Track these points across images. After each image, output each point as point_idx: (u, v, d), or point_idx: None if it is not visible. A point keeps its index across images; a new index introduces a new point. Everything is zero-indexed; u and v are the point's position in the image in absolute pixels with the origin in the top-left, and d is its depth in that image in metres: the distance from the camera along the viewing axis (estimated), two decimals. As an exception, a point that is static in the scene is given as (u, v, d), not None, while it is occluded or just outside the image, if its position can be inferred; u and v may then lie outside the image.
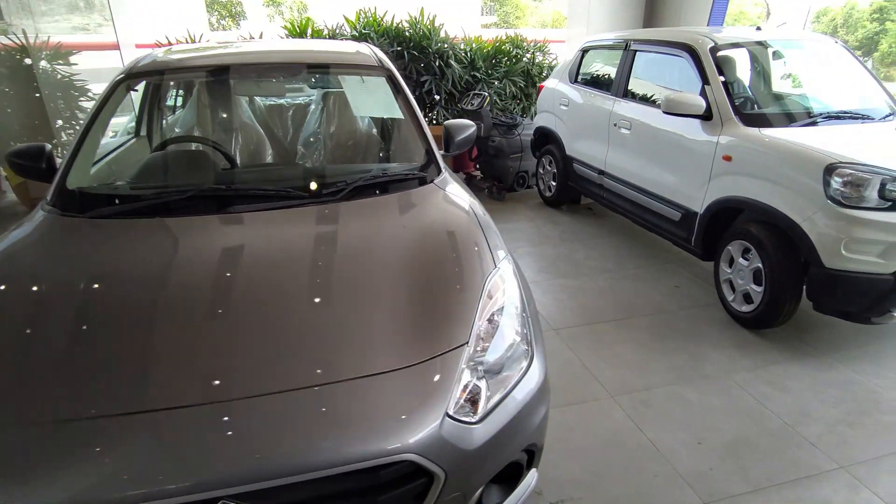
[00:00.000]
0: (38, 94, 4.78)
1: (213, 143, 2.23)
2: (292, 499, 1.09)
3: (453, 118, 5.48)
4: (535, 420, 1.41)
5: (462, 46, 5.47)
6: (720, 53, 3.14)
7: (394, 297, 1.43)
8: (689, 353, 2.72)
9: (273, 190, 1.82)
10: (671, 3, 5.82)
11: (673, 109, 3.03)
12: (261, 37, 5.33)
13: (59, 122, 4.91)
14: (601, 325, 2.98)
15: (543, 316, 3.06)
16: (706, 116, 3.00)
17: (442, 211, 1.83)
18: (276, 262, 1.55)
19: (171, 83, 2.72)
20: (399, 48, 5.13)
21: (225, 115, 2.42)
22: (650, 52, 3.64)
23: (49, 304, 1.38)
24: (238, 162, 2.28)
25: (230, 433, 1.10)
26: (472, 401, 1.28)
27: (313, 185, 1.90)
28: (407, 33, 5.21)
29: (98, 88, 4.91)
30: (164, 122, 2.62)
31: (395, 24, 5.21)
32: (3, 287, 1.44)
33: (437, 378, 1.26)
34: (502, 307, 1.47)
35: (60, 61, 4.87)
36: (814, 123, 2.89)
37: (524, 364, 1.42)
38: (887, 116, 3.03)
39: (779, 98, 3.28)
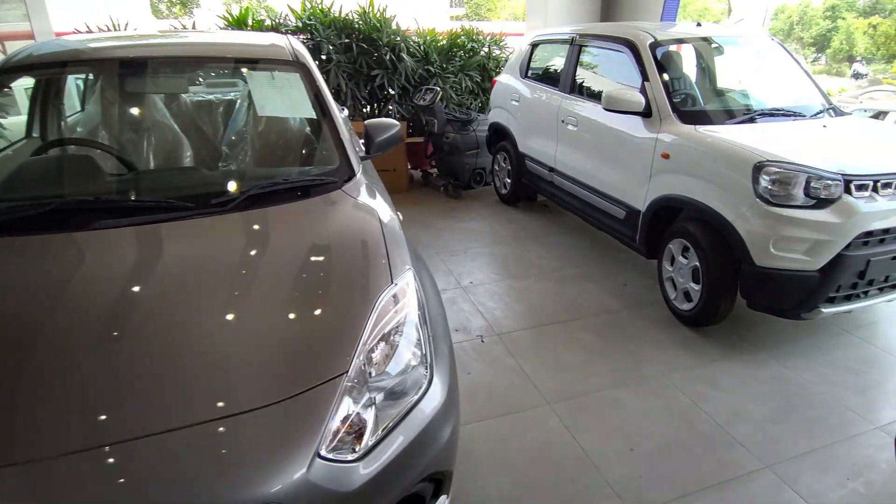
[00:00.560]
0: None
1: (97, 145, 2.02)
2: None
3: (407, 113, 5.42)
4: (438, 446, 1.34)
5: (415, 39, 5.35)
6: (660, 49, 3.12)
7: (268, 324, 1.31)
8: (631, 354, 2.74)
9: (150, 201, 1.66)
10: (627, -5, 5.80)
11: (613, 106, 3.01)
12: (193, 27, 5.10)
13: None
14: (546, 329, 2.98)
15: (488, 321, 3.05)
16: (646, 113, 2.99)
17: (342, 222, 1.70)
18: (138, 286, 1.40)
19: (64, 78, 2.43)
20: (347, 40, 4.99)
21: (115, 115, 2.20)
22: (595, 47, 3.61)
23: None
24: (136, 167, 2.07)
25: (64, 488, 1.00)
26: (357, 434, 1.21)
27: (202, 195, 1.75)
28: (357, 25, 5.07)
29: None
30: (56, 122, 2.35)
31: (343, 16, 5.07)
32: None
33: (306, 415, 1.16)
34: (398, 326, 1.40)
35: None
36: (748, 121, 2.90)
37: (422, 386, 1.35)
38: (818, 114, 3.06)
39: (716, 95, 3.29)
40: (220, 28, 4.97)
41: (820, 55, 34.33)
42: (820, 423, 2.29)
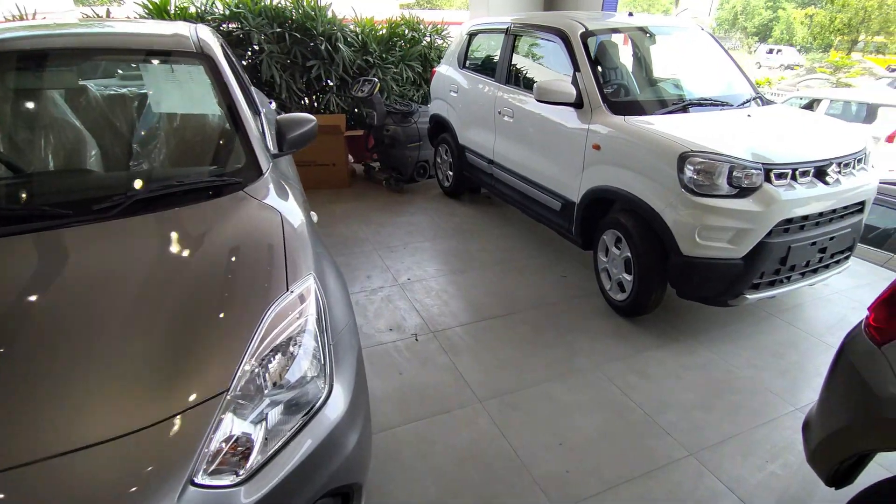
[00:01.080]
0: None
1: None
2: None
3: (347, 106, 5.26)
4: (340, 459, 1.28)
5: (353, 28, 5.17)
6: (591, 39, 3.10)
7: (143, 343, 1.21)
8: (566, 347, 2.72)
9: (19, 209, 1.53)
10: (569, -16, 5.79)
11: (544, 97, 2.97)
12: (108, 15, 4.75)
13: None
14: (482, 324, 2.93)
15: (424, 319, 2.97)
16: (578, 104, 2.97)
17: (239, 226, 1.59)
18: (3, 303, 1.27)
19: None
20: (280, 30, 4.77)
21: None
22: (530, 36, 3.56)
23: None
24: (20, 169, 1.88)
25: None
26: (243, 454, 1.13)
27: (81, 201, 1.61)
28: (289, 14, 4.85)
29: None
30: None
31: (274, 4, 4.84)
32: None
33: (178, 439, 1.07)
34: (294, 336, 1.31)
35: None
36: (677, 111, 2.92)
37: (320, 398, 1.28)
38: (744, 103, 3.12)
39: (648, 85, 3.31)
40: (141, 17, 4.65)
41: (762, 44, 36.00)
42: (743, 407, 2.33)
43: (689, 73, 3.44)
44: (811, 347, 2.77)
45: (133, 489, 0.99)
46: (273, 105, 3.75)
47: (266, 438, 1.17)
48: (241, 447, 1.13)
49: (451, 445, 2.13)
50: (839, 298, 3.24)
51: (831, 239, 2.65)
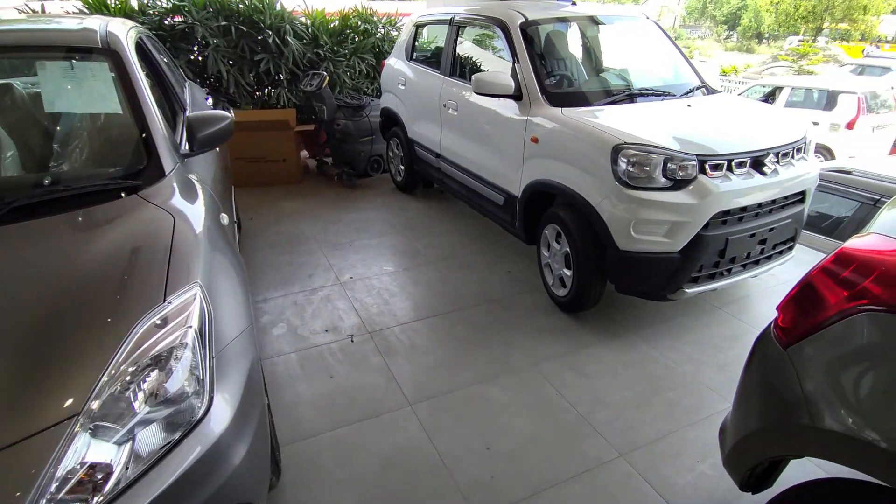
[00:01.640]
0: None
1: None
2: None
3: (298, 100, 5.11)
4: (223, 477, 1.19)
5: (303, 21, 5.01)
6: (531, 29, 3.02)
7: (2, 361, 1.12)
8: (504, 345, 2.65)
9: None
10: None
11: (483, 90, 2.88)
12: (42, 10, 4.53)
13: None
14: (421, 323, 2.83)
15: (362, 319, 2.87)
16: (516, 96, 2.88)
17: (123, 233, 1.50)
18: None
19: None
20: (226, 23, 4.60)
21: None
22: (473, 27, 3.47)
23: None
24: None
25: None
26: (99, 482, 1.03)
27: None
28: (235, 6, 4.67)
29: None
30: None
31: (220, -4, 4.66)
32: None
33: (17, 469, 0.98)
34: (170, 350, 1.21)
35: None
36: (616, 102, 2.86)
37: (197, 414, 1.19)
38: (687, 93, 3.08)
39: (590, 76, 3.24)
40: (81, 12, 4.43)
41: (732, 32, 36.44)
42: (679, 404, 2.28)
43: (633, 64, 3.38)
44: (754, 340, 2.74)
45: None
46: (209, 101, 3.58)
47: (130, 461, 1.08)
48: (97, 473, 1.04)
49: (375, 451, 2.04)
50: (786, 289, 3.22)
51: (771, 230, 2.62)
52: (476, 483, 1.90)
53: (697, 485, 1.91)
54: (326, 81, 4.43)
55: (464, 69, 3.53)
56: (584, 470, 1.96)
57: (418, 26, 4.15)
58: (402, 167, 4.48)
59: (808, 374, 1.18)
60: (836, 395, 1.12)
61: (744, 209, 2.50)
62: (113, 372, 1.14)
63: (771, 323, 1.38)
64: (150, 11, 4.56)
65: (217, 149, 2.63)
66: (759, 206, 2.54)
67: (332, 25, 5.17)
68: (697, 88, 3.17)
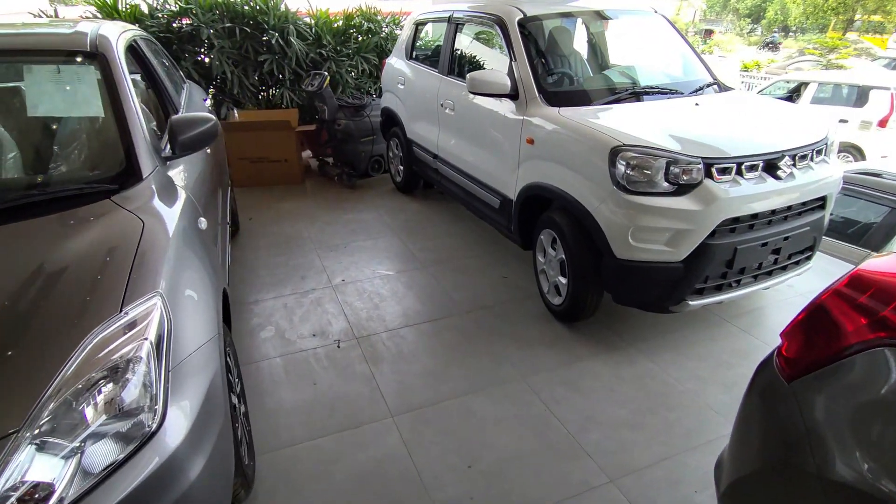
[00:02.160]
0: None
1: None
2: None
3: (300, 100, 5.06)
4: (178, 492, 1.16)
5: (307, 21, 4.96)
6: (530, 25, 2.89)
7: None
8: (494, 355, 2.52)
9: None
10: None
11: (478, 89, 2.76)
12: (55, 15, 4.57)
13: None
14: (410, 329, 2.73)
15: (350, 323, 2.77)
16: (512, 95, 2.76)
17: (87, 240, 1.45)
18: None
19: None
20: (231, 24, 4.57)
21: None
22: (471, 24, 3.36)
23: None
24: None
25: None
26: (43, 499, 1.01)
27: None
28: (241, 8, 4.65)
29: None
30: None
31: (226, -1, 4.65)
32: None
33: None
34: (123, 363, 1.17)
35: None
36: (617, 101, 2.72)
37: (149, 428, 1.15)
38: (697, 91, 2.92)
39: (589, 73, 3.10)
40: (94, 16, 4.45)
41: (756, 26, 35.32)
42: (678, 426, 2.13)
43: (639, 60, 3.23)
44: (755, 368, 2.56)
45: None
46: (208, 102, 3.54)
47: (76, 478, 1.05)
48: (36, 494, 1.01)
49: (352, 465, 1.94)
50: (804, 302, 3.02)
51: (786, 239, 2.44)
52: (453, 503, 1.79)
53: (693, 514, 1.77)
54: (327, 81, 4.36)
55: (462, 68, 3.42)
56: (571, 495, 1.83)
57: (418, 24, 4.06)
58: (402, 168, 4.38)
59: (815, 413, 1.03)
60: (849, 441, 0.96)
61: (755, 216, 2.33)
62: (60, 385, 1.10)
63: (774, 351, 1.23)
64: (159, 14, 4.56)
65: (208, 150, 2.58)
66: (773, 212, 2.37)
67: (335, 25, 5.11)
68: (708, 86, 3.01)
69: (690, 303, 2.37)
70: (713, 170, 2.24)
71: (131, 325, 1.23)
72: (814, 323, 1.11)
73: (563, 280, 2.61)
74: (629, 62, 3.21)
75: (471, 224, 3.96)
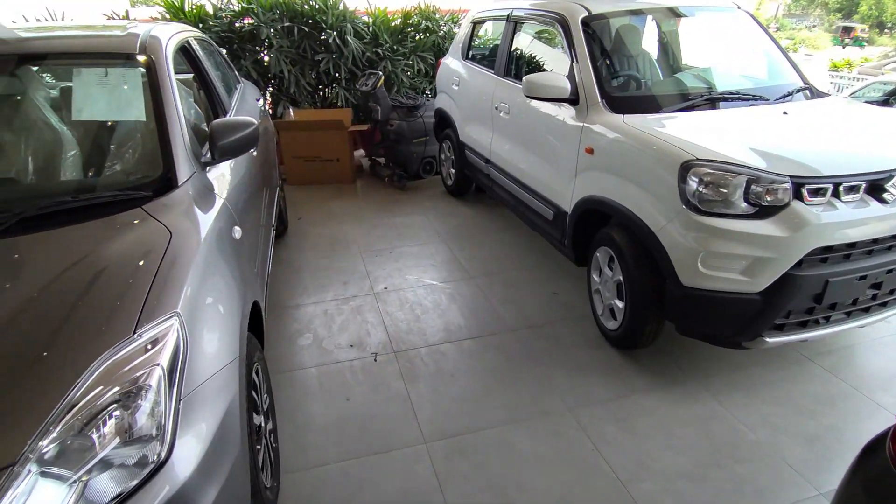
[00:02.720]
0: None
1: None
2: None
3: (355, 99, 5.02)
4: None
5: (365, 20, 4.92)
6: (596, 24, 2.66)
7: None
8: (540, 382, 2.33)
9: None
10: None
11: (534, 93, 2.56)
12: (126, 16, 4.74)
13: None
14: (451, 346, 2.58)
15: (390, 335, 2.66)
16: (572, 100, 2.54)
17: (112, 253, 1.39)
18: None
19: None
20: (290, 24, 4.60)
21: None
22: (531, 23, 3.15)
23: None
24: None
25: None
26: None
27: None
28: (300, 7, 4.67)
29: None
30: None
31: (286, -1, 4.68)
32: None
33: None
34: (132, 389, 1.11)
35: None
36: (692, 108, 2.44)
37: (155, 459, 1.09)
38: (785, 97, 2.58)
39: (659, 77, 2.82)
40: (162, 17, 4.61)
41: (846, 21, 32.31)
42: (748, 483, 1.86)
43: (717, 62, 2.90)
44: (856, 407, 2.21)
45: None
46: (260, 102, 3.54)
47: None
48: None
49: (377, 495, 1.82)
50: (905, 340, 2.64)
51: (890, 272, 2.09)
52: (483, 552, 1.63)
53: None
54: (381, 81, 4.28)
55: (519, 70, 3.22)
56: (617, 554, 1.63)
57: (475, 23, 3.89)
58: (453, 171, 4.24)
59: None
60: None
61: (852, 245, 2.01)
62: (67, 410, 1.05)
63: (886, 432, 0.98)
64: (222, 14, 4.65)
65: (254, 152, 2.55)
66: (875, 241, 2.03)
67: (393, 24, 5.04)
68: (799, 91, 2.66)
69: (768, 340, 2.08)
70: (804, 190, 1.94)
71: (143, 349, 1.16)
72: None
73: (620, 304, 2.37)
74: (706, 64, 2.90)
75: (523, 233, 3.76)
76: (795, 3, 36.37)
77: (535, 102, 2.81)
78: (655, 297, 2.21)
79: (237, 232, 1.85)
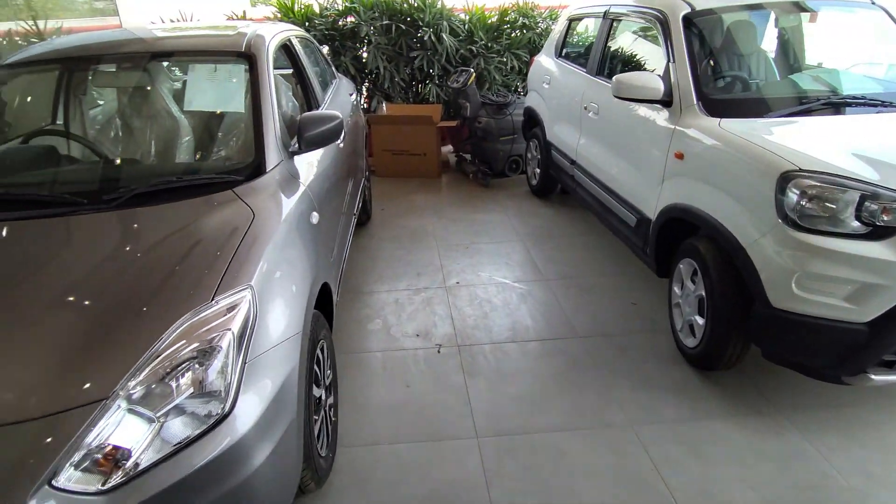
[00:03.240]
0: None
1: (64, 133, 2.10)
2: None
3: (446, 96, 5.11)
4: (238, 479, 1.22)
5: (462, 17, 4.98)
6: (700, 20, 2.48)
7: (51, 336, 1.25)
8: (603, 393, 2.25)
9: (44, 196, 1.74)
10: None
11: (624, 93, 2.45)
12: (244, 16, 5.16)
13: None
14: (516, 346, 2.56)
15: (456, 329, 2.70)
16: (665, 102, 2.40)
17: (202, 228, 1.56)
18: None
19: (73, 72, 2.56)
20: (388, 22, 4.78)
21: (77, 108, 2.25)
22: (629, 20, 3.01)
23: None
24: (88, 157, 2.12)
25: None
26: (115, 461, 1.10)
27: (94, 192, 1.74)
28: (400, 5, 4.84)
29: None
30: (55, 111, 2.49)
31: (386, -3, 4.87)
32: None
33: (43, 440, 1.07)
34: (206, 348, 1.25)
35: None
36: (805, 113, 2.20)
37: (219, 414, 1.21)
38: (923, 104, 2.24)
39: (769, 79, 2.57)
40: (275, 16, 5.01)
41: None
42: (830, 532, 1.67)
43: (841, 62, 2.59)
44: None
45: None
46: (353, 96, 3.72)
47: (152, 447, 1.14)
48: (116, 455, 1.11)
49: (425, 481, 1.87)
50: None
51: None
52: (523, 555, 1.62)
53: None
54: (472, 78, 4.32)
55: (612, 69, 3.09)
56: (666, 582, 1.53)
57: (572, 20, 3.79)
58: (538, 170, 4.18)
59: None
60: None
61: None
62: (150, 361, 1.20)
63: None
64: (327, 14, 4.95)
65: (340, 144, 2.70)
66: None
67: (489, 21, 5.05)
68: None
69: (874, 377, 1.84)
70: (932, 211, 1.69)
71: (218, 315, 1.30)
72: None
73: (700, 320, 2.21)
74: (829, 64, 2.60)
75: (606, 238, 3.63)
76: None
77: (624, 102, 2.69)
78: (739, 317, 2.04)
79: (315, 217, 1.97)
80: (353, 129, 3.23)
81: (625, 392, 2.25)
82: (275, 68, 2.19)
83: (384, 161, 4.85)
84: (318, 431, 1.71)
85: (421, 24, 4.80)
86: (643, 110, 2.58)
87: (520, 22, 5.08)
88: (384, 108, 4.94)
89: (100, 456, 1.10)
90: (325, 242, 2.06)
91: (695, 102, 2.29)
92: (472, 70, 4.42)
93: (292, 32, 2.74)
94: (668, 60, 2.45)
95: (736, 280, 2.04)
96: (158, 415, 1.17)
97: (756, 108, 2.26)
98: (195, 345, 1.24)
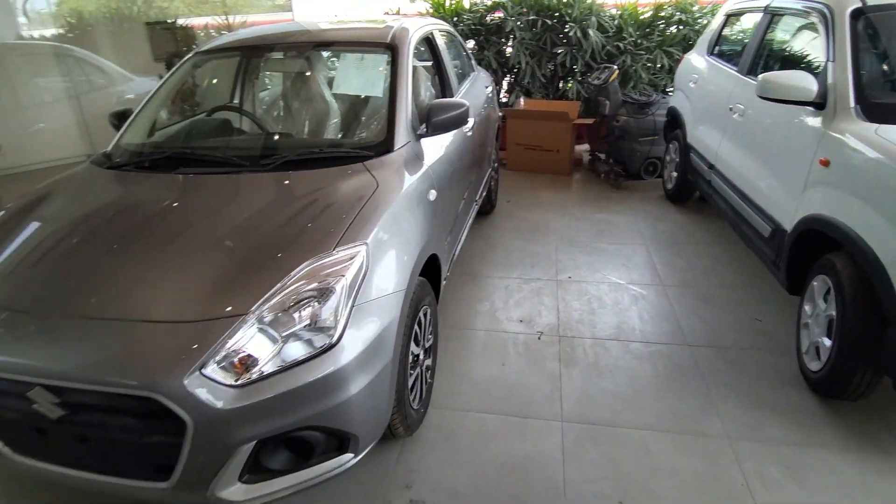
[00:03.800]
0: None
1: (239, 110, 2.57)
2: (73, 399, 1.40)
3: (587, 93, 5.06)
4: (333, 402, 1.45)
5: (612, 13, 4.87)
6: (874, 16, 2.21)
7: (211, 263, 1.57)
8: (702, 400, 2.18)
9: (220, 158, 2.15)
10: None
11: (770, 93, 2.29)
12: (398, 12, 5.61)
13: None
14: (616, 344, 2.56)
15: (560, 320, 2.77)
16: (818, 104, 2.20)
17: (337, 190, 1.86)
18: (163, 215, 1.82)
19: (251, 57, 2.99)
20: (534, 17, 4.87)
21: (256, 88, 2.75)
22: (790, 16, 2.75)
23: (42, 227, 1.87)
24: (244, 130, 2.58)
25: (43, 338, 1.45)
26: (246, 367, 1.39)
27: (256, 157, 2.12)
28: (549, 1, 4.90)
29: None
30: (233, 92, 2.91)
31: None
32: (28, 212, 1.97)
33: (201, 338, 1.38)
34: (322, 289, 1.49)
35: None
36: None
37: (323, 347, 1.45)
38: None
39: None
40: (429, 13, 5.41)
41: None
42: None
43: None
44: None
45: (161, 358, 1.36)
46: (489, 89, 3.89)
47: (272, 360, 1.41)
48: (247, 361, 1.39)
49: (505, 451, 2.00)
50: None
51: None
52: (586, 530, 1.69)
53: None
54: (615, 76, 4.25)
55: (767, 68, 2.86)
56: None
57: (729, 16, 3.53)
58: (675, 174, 3.98)
59: None
60: None
61: None
62: (280, 291, 1.46)
63: None
64: (476, 9, 5.21)
65: (468, 133, 2.91)
66: None
67: (641, 17, 4.88)
68: None
69: None
70: None
71: (336, 262, 1.54)
72: None
73: (827, 342, 2.02)
74: None
75: (736, 250, 3.37)
76: None
77: (771, 106, 2.50)
78: (869, 341, 1.83)
79: (432, 195, 2.20)
80: (484, 120, 3.41)
81: (729, 406, 2.15)
82: (416, 59, 2.46)
83: (516, 155, 5.00)
84: (412, 385, 1.93)
85: (568, 19, 4.82)
86: (791, 111, 2.38)
87: (676, 17, 4.82)
88: (522, 103, 5.07)
89: (235, 360, 1.36)
90: (439, 218, 2.27)
91: (852, 105, 2.07)
92: (615, 67, 4.33)
93: (436, 27, 3.00)
94: (828, 59, 2.23)
95: (871, 301, 1.83)
96: (282, 337, 1.41)
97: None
98: (315, 284, 1.48)
